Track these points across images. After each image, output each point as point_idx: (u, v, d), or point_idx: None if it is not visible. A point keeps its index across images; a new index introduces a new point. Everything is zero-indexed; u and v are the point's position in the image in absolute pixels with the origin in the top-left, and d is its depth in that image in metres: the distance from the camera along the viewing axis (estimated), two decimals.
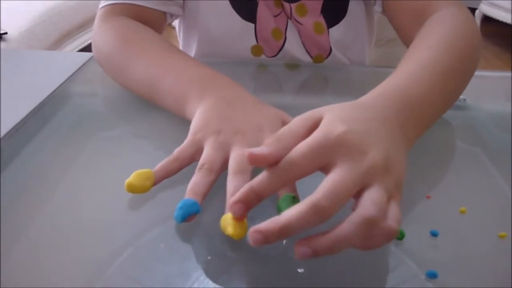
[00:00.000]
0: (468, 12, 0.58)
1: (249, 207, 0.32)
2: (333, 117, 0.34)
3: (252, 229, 0.30)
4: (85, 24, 2.25)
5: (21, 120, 0.52)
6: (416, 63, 0.46)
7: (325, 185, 0.30)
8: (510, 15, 2.51)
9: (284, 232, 0.29)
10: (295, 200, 0.36)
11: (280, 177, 0.32)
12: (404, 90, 0.41)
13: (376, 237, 0.30)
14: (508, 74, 0.63)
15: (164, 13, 0.66)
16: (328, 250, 0.29)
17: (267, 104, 0.47)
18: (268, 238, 0.29)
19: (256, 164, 0.33)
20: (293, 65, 0.70)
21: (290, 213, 0.30)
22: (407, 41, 0.62)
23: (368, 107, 0.38)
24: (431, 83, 0.44)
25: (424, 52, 0.48)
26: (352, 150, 0.32)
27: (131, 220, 0.39)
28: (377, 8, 0.68)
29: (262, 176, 0.33)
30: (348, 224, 0.29)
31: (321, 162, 0.32)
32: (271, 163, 0.32)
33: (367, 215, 0.30)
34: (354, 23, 0.71)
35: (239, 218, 0.33)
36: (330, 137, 0.33)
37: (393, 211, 0.32)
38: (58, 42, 2.11)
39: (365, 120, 0.36)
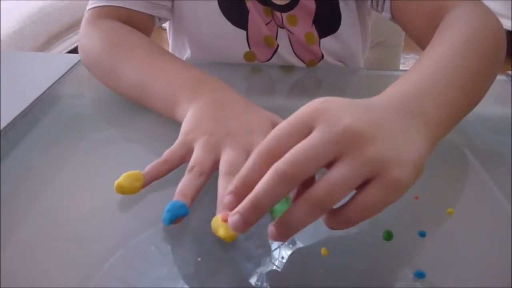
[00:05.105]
0: (486, 7, 0.54)
1: (240, 200, 0.31)
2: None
3: (230, 214, 0.30)
4: (74, 25, 2.24)
5: (10, 122, 0.51)
6: (431, 64, 0.42)
7: (290, 151, 0.29)
8: (506, 20, 2.53)
9: (255, 204, 0.29)
10: (288, 201, 0.35)
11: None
12: (415, 96, 0.36)
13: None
14: (498, 77, 0.64)
15: (152, 16, 0.65)
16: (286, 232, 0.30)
17: (258, 107, 0.47)
18: (245, 216, 0.29)
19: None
20: (287, 67, 0.70)
21: (257, 185, 0.29)
22: (423, 46, 0.55)
23: (373, 106, 0.34)
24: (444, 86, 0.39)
25: (436, 54, 0.44)
26: (329, 115, 0.30)
27: (121, 222, 0.39)
28: (386, 14, 0.63)
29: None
30: (298, 204, 0.29)
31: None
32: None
33: (310, 198, 0.29)
34: (347, 35, 0.70)
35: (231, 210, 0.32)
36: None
37: (359, 198, 0.29)
38: (48, 43, 2.10)
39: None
